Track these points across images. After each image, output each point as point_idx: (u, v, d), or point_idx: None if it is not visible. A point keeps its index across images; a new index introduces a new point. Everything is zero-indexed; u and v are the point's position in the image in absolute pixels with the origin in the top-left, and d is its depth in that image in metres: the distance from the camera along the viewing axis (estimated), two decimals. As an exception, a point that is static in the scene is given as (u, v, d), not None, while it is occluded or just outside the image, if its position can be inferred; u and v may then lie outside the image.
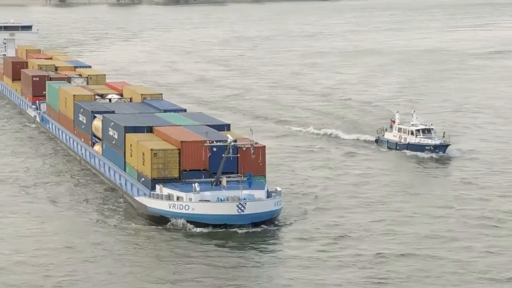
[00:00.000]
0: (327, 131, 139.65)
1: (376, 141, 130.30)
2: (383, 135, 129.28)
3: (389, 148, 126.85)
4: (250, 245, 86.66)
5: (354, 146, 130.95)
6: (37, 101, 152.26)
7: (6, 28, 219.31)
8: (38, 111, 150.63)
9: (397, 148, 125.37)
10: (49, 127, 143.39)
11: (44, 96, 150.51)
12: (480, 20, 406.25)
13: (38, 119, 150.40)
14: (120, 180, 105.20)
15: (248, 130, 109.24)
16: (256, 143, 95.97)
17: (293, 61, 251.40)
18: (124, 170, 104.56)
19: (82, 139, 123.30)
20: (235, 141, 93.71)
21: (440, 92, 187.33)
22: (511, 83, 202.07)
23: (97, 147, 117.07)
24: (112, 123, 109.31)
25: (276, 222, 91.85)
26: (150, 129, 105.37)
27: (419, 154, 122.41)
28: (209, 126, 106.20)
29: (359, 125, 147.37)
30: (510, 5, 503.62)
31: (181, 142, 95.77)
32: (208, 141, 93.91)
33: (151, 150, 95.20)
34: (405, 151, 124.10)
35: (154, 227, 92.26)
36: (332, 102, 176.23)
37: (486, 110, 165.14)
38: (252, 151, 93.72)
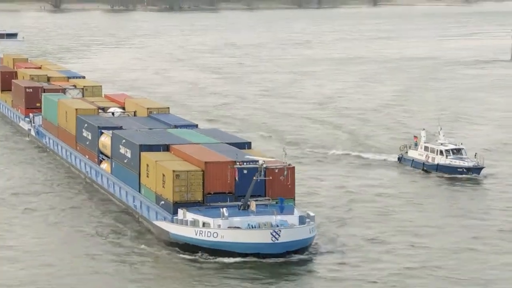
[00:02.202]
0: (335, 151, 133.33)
1: (399, 159, 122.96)
2: (406, 153, 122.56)
3: (414, 167, 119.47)
4: (284, 276, 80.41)
5: (374, 164, 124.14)
6: (30, 114, 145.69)
7: None
8: (33, 124, 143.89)
9: (424, 168, 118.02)
10: (46, 141, 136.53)
11: (38, 108, 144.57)
12: (467, 29, 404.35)
13: (33, 132, 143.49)
14: (134, 202, 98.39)
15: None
16: (289, 164, 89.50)
17: (285, 69, 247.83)
18: (139, 191, 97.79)
19: (87, 156, 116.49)
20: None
21: (435, 101, 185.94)
22: (503, 92, 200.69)
23: (105, 165, 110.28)
24: (124, 141, 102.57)
25: (310, 250, 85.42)
26: (166, 148, 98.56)
27: (451, 176, 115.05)
28: (229, 144, 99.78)
29: (363, 137, 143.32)
30: (495, 14, 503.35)
31: (205, 163, 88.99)
32: (238, 163, 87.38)
33: (173, 171, 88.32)
34: (435, 172, 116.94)
35: (176, 254, 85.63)
36: (328, 111, 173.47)
37: (482, 120, 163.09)
38: (285, 172, 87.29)
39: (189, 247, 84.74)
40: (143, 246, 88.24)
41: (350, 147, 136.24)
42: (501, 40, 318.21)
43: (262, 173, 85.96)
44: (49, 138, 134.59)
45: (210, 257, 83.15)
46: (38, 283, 79.58)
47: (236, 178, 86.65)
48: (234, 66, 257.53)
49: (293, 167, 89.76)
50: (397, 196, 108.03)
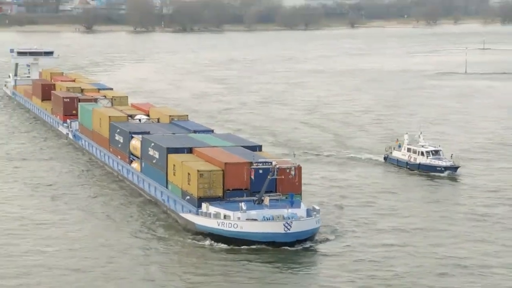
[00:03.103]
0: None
1: (385, 159, 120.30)
2: (391, 153, 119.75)
3: (398, 166, 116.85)
4: (295, 260, 77.77)
5: (364, 164, 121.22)
6: (68, 120, 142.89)
7: (30, 53, 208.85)
8: (70, 128, 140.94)
9: (407, 167, 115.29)
10: (82, 143, 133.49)
11: (74, 115, 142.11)
12: (429, 47, 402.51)
13: (70, 136, 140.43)
14: (162, 196, 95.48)
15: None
16: (298, 165, 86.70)
17: (278, 80, 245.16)
18: (166, 187, 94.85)
19: (119, 157, 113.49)
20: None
21: (407, 107, 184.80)
22: (460, 99, 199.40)
23: (135, 165, 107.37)
24: (153, 144, 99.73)
25: (316, 239, 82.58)
26: (190, 150, 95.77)
27: (430, 173, 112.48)
28: (243, 147, 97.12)
29: (349, 139, 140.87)
30: (453, 35, 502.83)
31: (225, 163, 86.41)
32: (254, 163, 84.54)
33: (198, 171, 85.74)
34: (417, 170, 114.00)
35: (201, 242, 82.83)
36: (317, 116, 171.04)
37: (446, 122, 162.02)
38: (293, 172, 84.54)
39: (212, 236, 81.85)
40: (172, 234, 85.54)
41: (338, 147, 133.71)
42: (458, 56, 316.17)
43: (276, 172, 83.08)
44: (84, 141, 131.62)
45: (230, 245, 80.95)
46: (79, 263, 77.80)
47: (252, 177, 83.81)
48: (236, 78, 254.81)
49: (300, 167, 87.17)
50: (385, 189, 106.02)
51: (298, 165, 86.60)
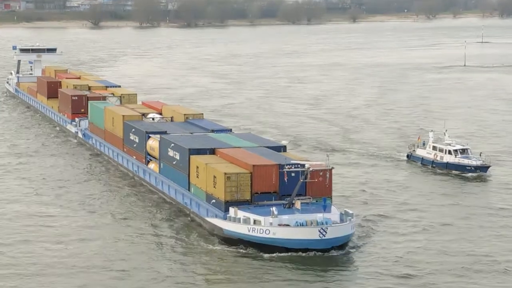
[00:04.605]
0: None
1: (408, 157, 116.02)
2: (414, 151, 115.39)
3: (423, 165, 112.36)
4: (330, 268, 73.71)
5: (385, 162, 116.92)
6: (76, 118, 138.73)
7: (33, 50, 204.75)
8: (79, 127, 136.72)
9: (433, 165, 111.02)
10: (92, 142, 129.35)
11: (82, 113, 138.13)
12: (429, 41, 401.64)
13: (80, 134, 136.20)
14: (184, 199, 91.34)
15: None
16: (332, 167, 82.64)
17: (280, 75, 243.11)
18: (188, 190, 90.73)
19: (134, 157, 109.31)
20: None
21: (409, 99, 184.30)
22: (460, 92, 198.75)
23: (153, 165, 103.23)
24: (173, 145, 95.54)
25: (350, 245, 78.61)
26: (212, 151, 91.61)
27: (460, 173, 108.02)
28: (267, 147, 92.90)
29: (356, 133, 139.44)
30: (452, 29, 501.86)
31: (253, 166, 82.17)
32: (287, 166, 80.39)
33: (225, 173, 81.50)
34: (444, 169, 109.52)
35: (229, 248, 78.76)
36: (321, 110, 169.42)
37: (448, 115, 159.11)
38: (327, 175, 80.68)
39: (242, 242, 77.79)
40: (196, 239, 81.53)
41: (353, 143, 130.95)
42: (457, 49, 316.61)
43: (309, 175, 79.03)
44: (95, 140, 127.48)
45: (260, 251, 76.68)
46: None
47: (285, 180, 79.69)
48: (238, 72, 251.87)
49: (331, 169, 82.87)
50: (416, 191, 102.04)
51: (332, 167, 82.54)
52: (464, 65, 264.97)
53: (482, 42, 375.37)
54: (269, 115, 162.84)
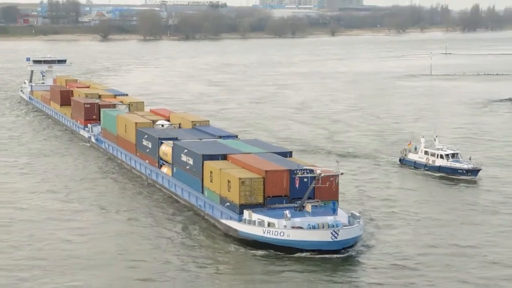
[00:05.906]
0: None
1: (400, 160, 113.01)
2: (406, 155, 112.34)
3: (416, 168, 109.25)
4: (341, 268, 70.61)
5: (378, 165, 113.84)
6: (89, 124, 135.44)
7: (45, 61, 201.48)
8: (92, 133, 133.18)
9: (426, 169, 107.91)
10: (105, 147, 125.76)
11: (94, 120, 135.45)
12: (399, 52, 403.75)
13: (93, 139, 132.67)
14: (197, 201, 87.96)
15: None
16: (342, 173, 79.61)
17: (268, 82, 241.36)
18: (202, 193, 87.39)
19: (147, 161, 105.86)
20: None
21: (385, 104, 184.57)
22: (428, 98, 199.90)
23: (165, 169, 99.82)
24: (186, 150, 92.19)
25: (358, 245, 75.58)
26: (224, 157, 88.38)
27: (451, 176, 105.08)
28: (274, 153, 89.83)
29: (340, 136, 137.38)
30: (419, 42, 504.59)
31: (266, 171, 79.06)
32: (299, 171, 77.29)
33: (239, 178, 78.33)
34: (437, 172, 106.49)
35: (244, 249, 75.48)
36: (306, 114, 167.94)
37: (420, 118, 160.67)
38: (336, 180, 77.64)
39: (256, 243, 74.55)
40: (213, 240, 78.26)
41: (343, 147, 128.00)
42: (423, 60, 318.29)
43: (320, 181, 75.92)
44: (108, 145, 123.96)
45: (277, 252, 73.38)
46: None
47: (297, 185, 76.55)
48: (231, 80, 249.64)
49: (338, 175, 79.69)
50: (408, 188, 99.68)
51: (341, 173, 79.51)
52: (431, 74, 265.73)
53: (446, 53, 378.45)
54: (258, 117, 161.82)
